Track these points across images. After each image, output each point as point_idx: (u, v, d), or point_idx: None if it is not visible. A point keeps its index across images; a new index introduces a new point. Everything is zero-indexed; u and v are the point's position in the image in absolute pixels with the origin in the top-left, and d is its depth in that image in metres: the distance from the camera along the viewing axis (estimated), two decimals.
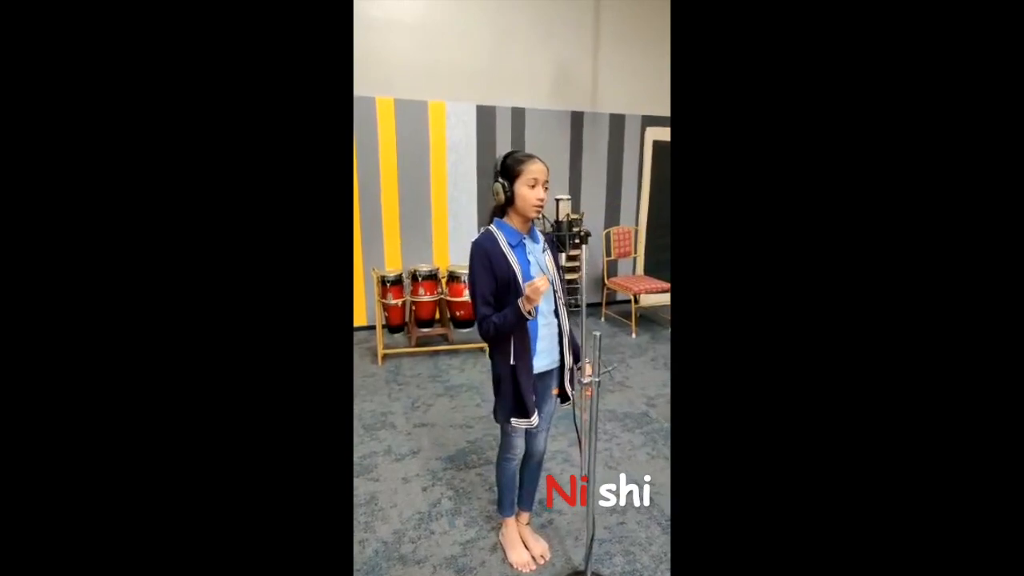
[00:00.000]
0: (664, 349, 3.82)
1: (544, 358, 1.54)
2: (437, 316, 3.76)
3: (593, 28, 4.38)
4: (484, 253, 1.40)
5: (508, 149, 4.32)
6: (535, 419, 1.52)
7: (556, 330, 1.56)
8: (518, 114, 4.28)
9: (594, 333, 1.38)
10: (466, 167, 4.24)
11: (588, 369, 1.41)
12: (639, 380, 3.23)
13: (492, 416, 1.63)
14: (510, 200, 1.42)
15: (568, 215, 1.34)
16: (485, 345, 3.73)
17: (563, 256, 1.36)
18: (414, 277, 3.52)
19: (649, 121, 4.67)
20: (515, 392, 1.48)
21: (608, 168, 4.65)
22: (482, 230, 1.48)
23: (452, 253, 4.35)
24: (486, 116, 4.19)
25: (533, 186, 1.39)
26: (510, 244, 1.43)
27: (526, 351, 1.47)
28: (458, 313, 3.59)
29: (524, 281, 1.41)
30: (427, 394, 3.04)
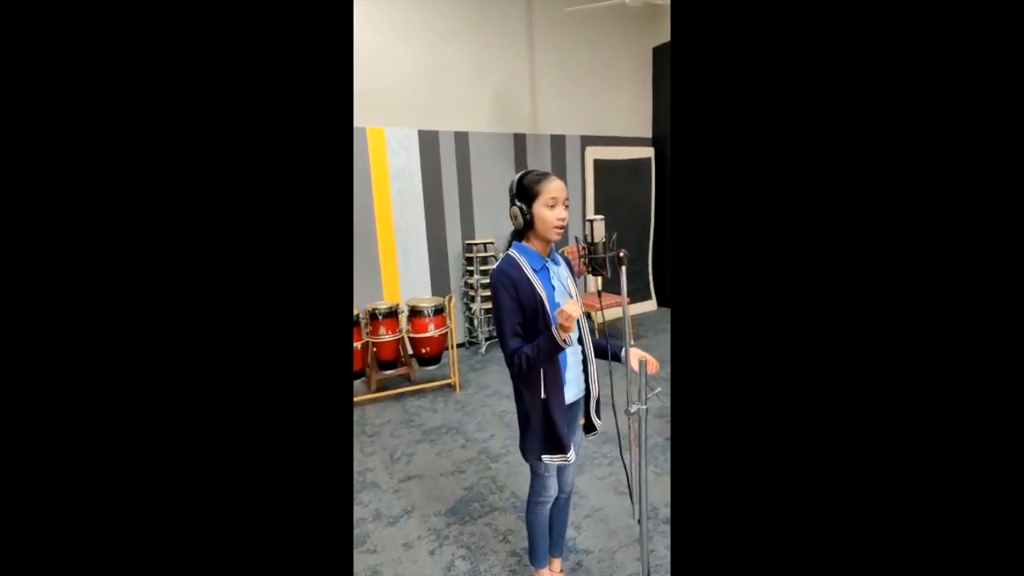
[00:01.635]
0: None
1: (572, 388, 1.43)
2: (400, 355, 3.49)
3: (528, 54, 4.44)
4: (510, 281, 1.28)
5: (454, 173, 4.22)
6: (572, 454, 1.40)
7: (581, 358, 1.46)
8: (461, 138, 4.19)
9: (639, 359, 1.28)
10: (412, 195, 4.06)
11: (648, 361, 1.31)
12: (621, 396, 3.18)
13: (520, 454, 1.48)
14: (529, 223, 1.31)
15: (604, 237, 1.24)
16: (452, 380, 3.53)
17: (599, 280, 1.27)
18: (373, 316, 3.25)
19: (588, 141, 4.79)
20: (548, 427, 1.36)
21: None
22: (502, 256, 1.35)
23: (404, 287, 4.11)
24: (429, 141, 4.06)
25: (553, 206, 1.30)
26: (533, 269, 1.32)
27: (557, 383, 1.35)
28: (423, 350, 3.36)
29: (551, 307, 1.30)
30: (404, 443, 2.77)
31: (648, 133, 5.34)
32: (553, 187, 1.30)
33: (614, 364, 1.38)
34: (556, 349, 1.23)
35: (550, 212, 1.29)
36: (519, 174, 1.34)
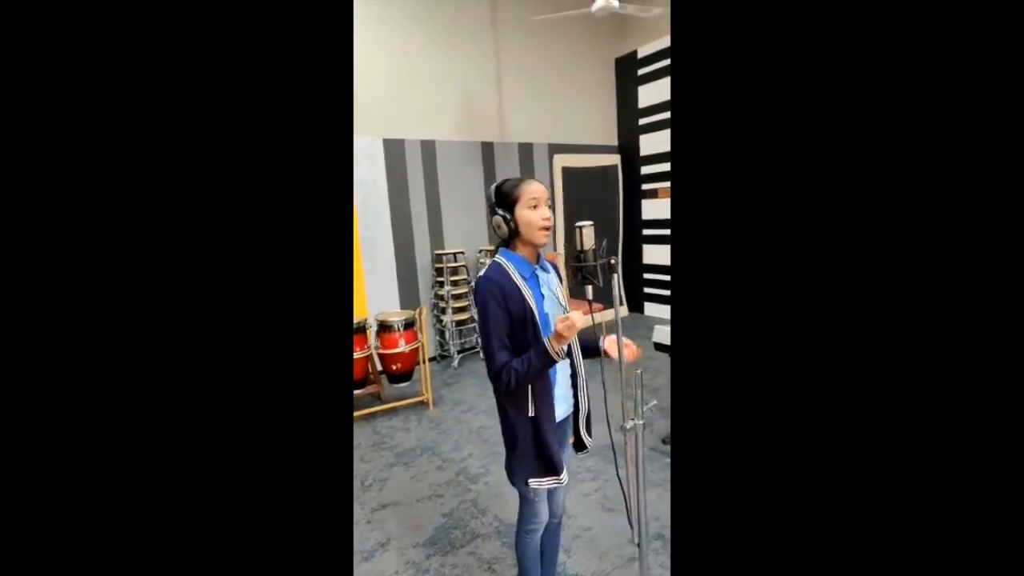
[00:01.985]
0: (612, 372, 3.79)
1: (561, 404, 1.34)
2: (369, 373, 3.31)
3: (495, 62, 4.39)
4: (498, 289, 1.18)
5: (421, 183, 4.09)
6: (565, 476, 1.30)
7: (570, 371, 1.37)
8: (428, 146, 4.08)
9: (636, 371, 1.21)
10: (378, 205, 3.90)
11: (627, 347, 1.23)
12: (600, 406, 3.12)
13: (501, 474, 1.37)
14: (514, 231, 1.22)
15: (593, 244, 1.16)
16: (425, 397, 3.38)
17: (589, 290, 1.18)
18: None
19: (555, 149, 4.77)
20: (538, 447, 1.26)
21: None
22: (489, 263, 1.25)
23: (371, 301, 3.93)
24: (394, 149, 3.93)
25: (535, 206, 1.22)
26: (522, 276, 1.23)
27: (547, 399, 1.26)
28: (394, 367, 3.20)
29: (541, 317, 1.21)
30: (376, 467, 2.60)
31: (614, 141, 5.38)
32: (532, 188, 1.23)
33: (607, 377, 1.30)
34: (549, 363, 1.14)
35: (534, 213, 1.21)
36: (494, 185, 1.27)
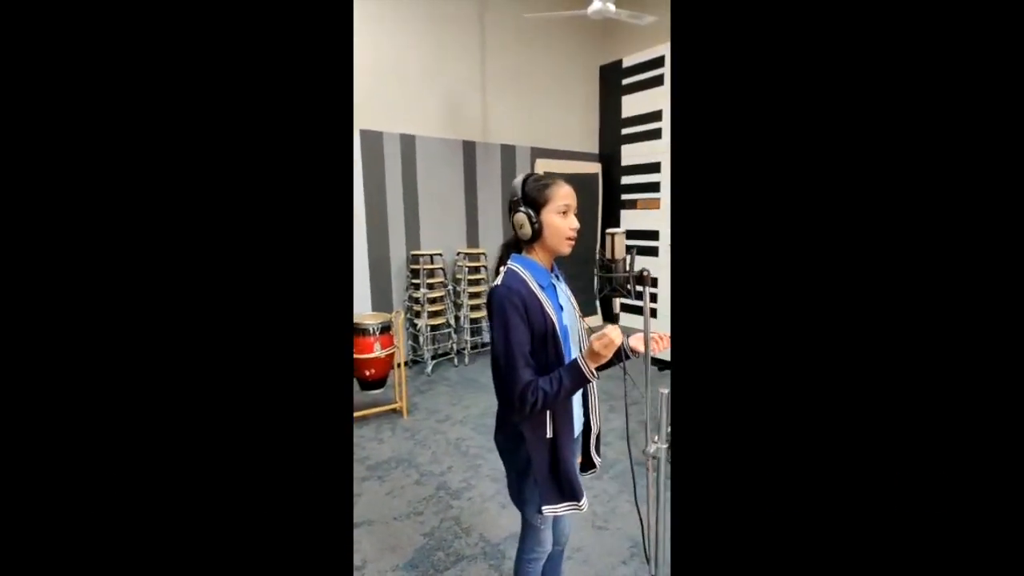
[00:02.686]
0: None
1: (575, 423, 1.24)
2: None
3: (480, 60, 4.28)
4: (519, 299, 1.06)
5: (399, 179, 3.92)
6: (585, 502, 1.20)
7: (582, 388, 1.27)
8: (408, 141, 3.92)
9: (661, 391, 1.12)
10: (352, 199, 3.70)
11: (655, 340, 1.11)
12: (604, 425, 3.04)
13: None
14: (537, 233, 1.11)
15: (624, 254, 1.06)
16: (398, 405, 3.20)
17: (617, 303, 1.09)
18: None
19: (538, 153, 4.70)
20: (556, 471, 1.16)
21: (503, 198, 4.53)
22: (503, 271, 1.13)
23: None
24: (372, 141, 3.74)
25: (565, 213, 1.12)
26: (540, 286, 1.12)
27: (567, 418, 1.16)
28: (367, 373, 3.02)
29: (561, 330, 1.12)
30: None
31: (595, 149, 5.36)
32: (564, 192, 1.12)
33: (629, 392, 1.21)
34: (582, 384, 1.04)
35: (563, 221, 1.11)
36: (521, 178, 1.15)
